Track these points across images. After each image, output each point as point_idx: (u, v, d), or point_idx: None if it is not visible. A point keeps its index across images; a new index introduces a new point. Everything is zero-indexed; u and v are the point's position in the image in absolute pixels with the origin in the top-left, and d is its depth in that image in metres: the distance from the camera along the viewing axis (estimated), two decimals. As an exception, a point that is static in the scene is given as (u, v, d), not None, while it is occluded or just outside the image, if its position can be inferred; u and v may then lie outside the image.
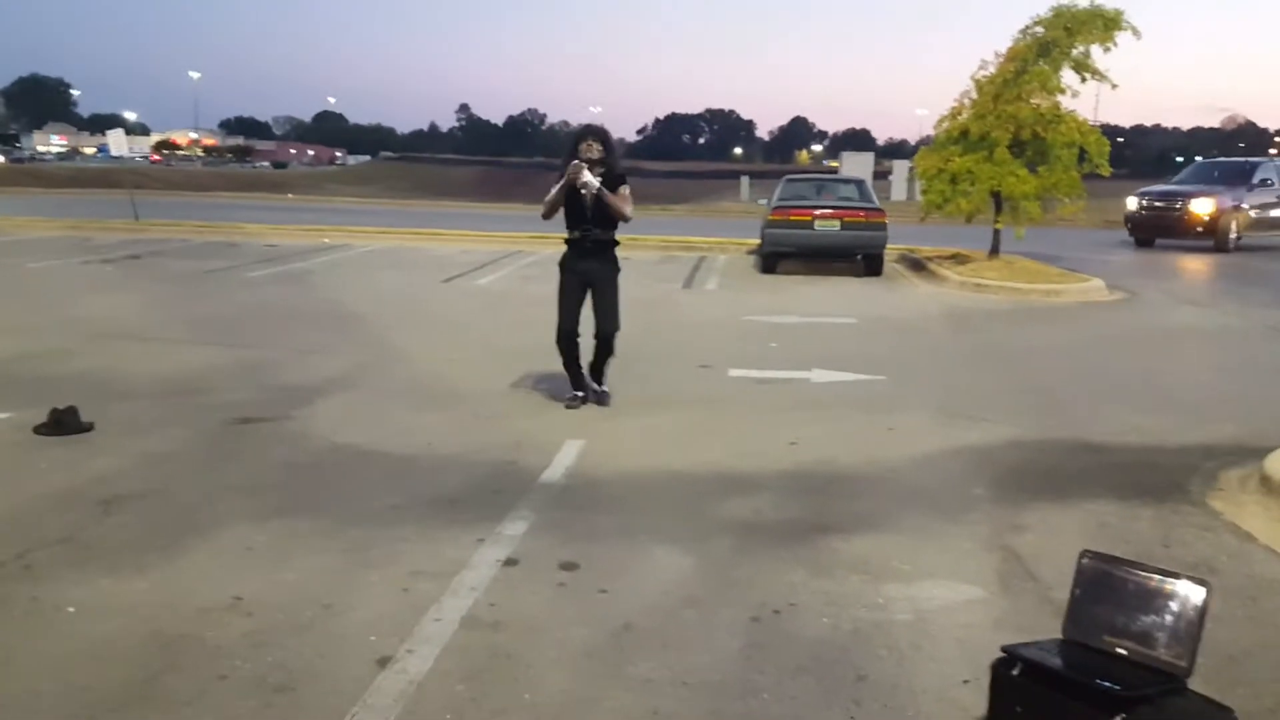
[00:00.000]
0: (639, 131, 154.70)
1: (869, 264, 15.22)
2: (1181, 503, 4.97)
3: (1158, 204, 21.14)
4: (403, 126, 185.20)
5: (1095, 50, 14.65)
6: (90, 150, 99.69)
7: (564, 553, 4.14)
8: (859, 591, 3.83)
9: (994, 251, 15.69)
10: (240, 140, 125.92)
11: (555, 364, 6.80)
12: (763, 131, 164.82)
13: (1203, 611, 2.32)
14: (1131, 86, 17.33)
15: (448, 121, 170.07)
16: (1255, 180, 20.89)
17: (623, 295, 6.68)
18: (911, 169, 19.19)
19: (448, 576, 3.87)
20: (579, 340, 6.63)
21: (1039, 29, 14.86)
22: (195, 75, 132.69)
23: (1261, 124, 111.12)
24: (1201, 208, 20.14)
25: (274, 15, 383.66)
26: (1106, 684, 2.26)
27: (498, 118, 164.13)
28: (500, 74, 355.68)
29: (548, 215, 6.64)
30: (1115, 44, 14.55)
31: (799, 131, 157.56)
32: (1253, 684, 3.18)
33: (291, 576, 3.87)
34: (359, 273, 14.66)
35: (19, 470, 5.14)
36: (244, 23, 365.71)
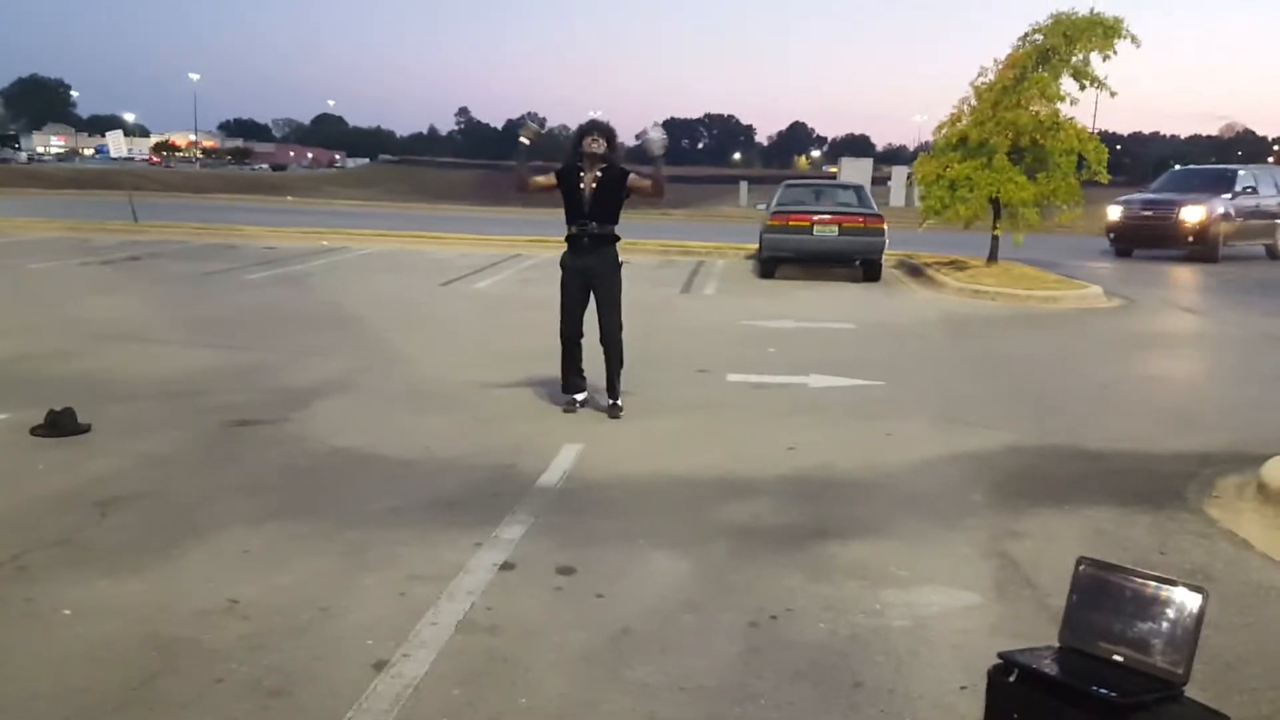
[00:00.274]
0: (638, 136, 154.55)
1: (867, 269, 15.23)
2: (1178, 510, 4.97)
3: (1145, 212, 20.05)
4: (402, 129, 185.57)
5: (1094, 58, 14.72)
6: (89, 151, 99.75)
7: (561, 557, 4.14)
8: (856, 597, 3.83)
9: (992, 258, 15.72)
10: (239, 142, 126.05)
11: (553, 368, 6.80)
12: (762, 136, 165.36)
13: (1199, 618, 2.32)
14: (1130, 94, 17.47)
15: (447, 125, 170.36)
16: (1238, 187, 20.02)
17: (626, 294, 6.64)
18: (910, 175, 19.23)
19: (445, 580, 3.87)
20: (582, 343, 6.61)
21: (1038, 36, 14.91)
22: (195, 77, 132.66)
23: (1260, 132, 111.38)
24: (1192, 216, 19.23)
25: (274, 18, 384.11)
26: (1103, 691, 2.26)
27: (497, 121, 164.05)
28: (499, 77, 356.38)
29: (517, 186, 6.68)
30: (1114, 52, 14.61)
31: (798, 137, 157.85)
32: (1249, 691, 3.18)
33: (288, 579, 3.86)
34: (357, 275, 14.66)
35: (16, 471, 5.13)
36: (244, 25, 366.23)
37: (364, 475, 5.24)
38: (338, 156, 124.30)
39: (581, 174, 6.42)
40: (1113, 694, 2.25)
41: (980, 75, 15.51)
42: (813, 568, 4.11)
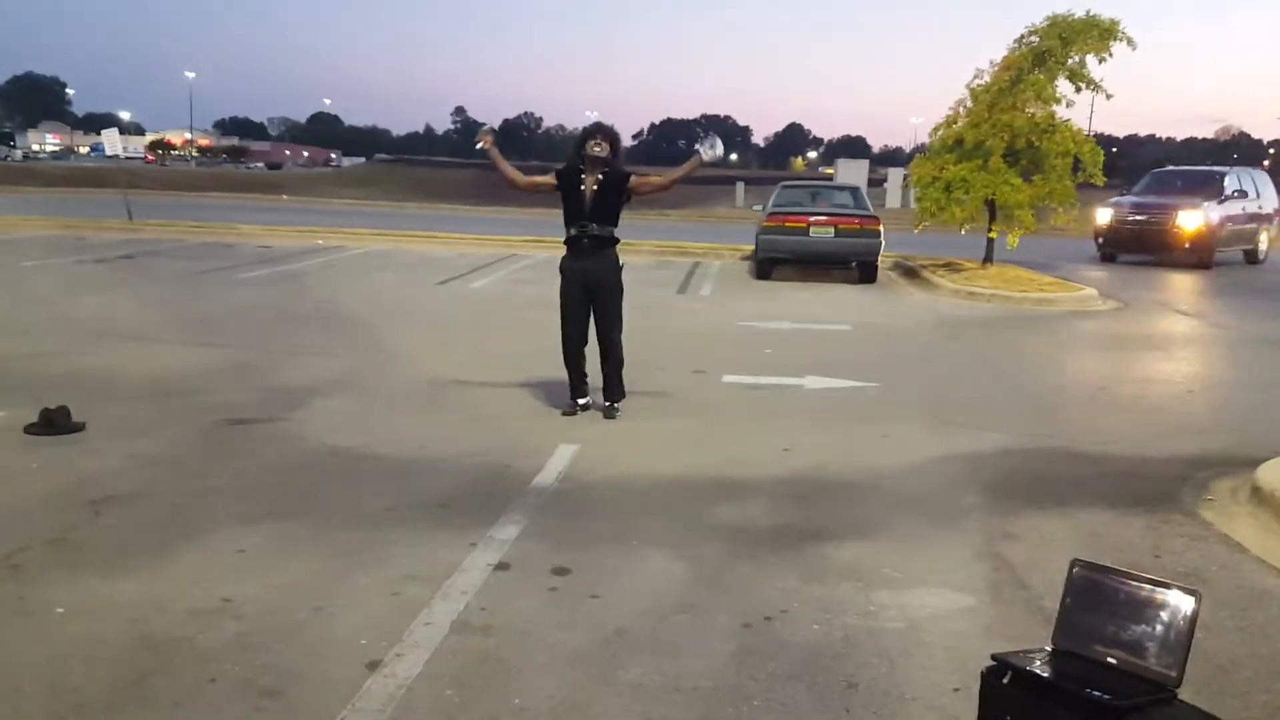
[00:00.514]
0: (635, 136, 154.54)
1: (863, 271, 15.25)
2: (1172, 512, 4.98)
3: (1139, 217, 19.10)
4: (398, 128, 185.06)
5: (1090, 60, 14.74)
6: (84, 149, 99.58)
7: (556, 557, 4.14)
8: (850, 598, 3.83)
9: (987, 260, 15.75)
10: (235, 141, 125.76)
11: (549, 368, 6.80)
12: (758, 137, 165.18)
13: (1193, 621, 2.32)
14: (1126, 97, 17.48)
15: (443, 124, 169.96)
16: (1228, 191, 19.21)
17: (625, 296, 6.63)
18: (906, 177, 19.24)
19: (439, 580, 3.86)
20: (585, 348, 6.58)
21: (1035, 38, 14.94)
22: (190, 75, 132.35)
23: (1255, 135, 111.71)
24: (1190, 222, 18.40)
25: (269, 16, 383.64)
26: (1097, 693, 2.26)
27: (493, 120, 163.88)
28: (496, 77, 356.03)
29: (509, 185, 6.70)
30: (1110, 54, 14.65)
31: (794, 138, 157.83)
32: (1242, 694, 3.19)
33: (282, 579, 3.86)
34: (353, 275, 14.65)
35: (9, 470, 5.12)
36: (239, 23, 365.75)
37: (358, 475, 5.23)
38: (333, 155, 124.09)
39: (583, 176, 6.40)
40: (1106, 696, 2.25)
41: (976, 77, 15.56)
42: (807, 569, 4.11)
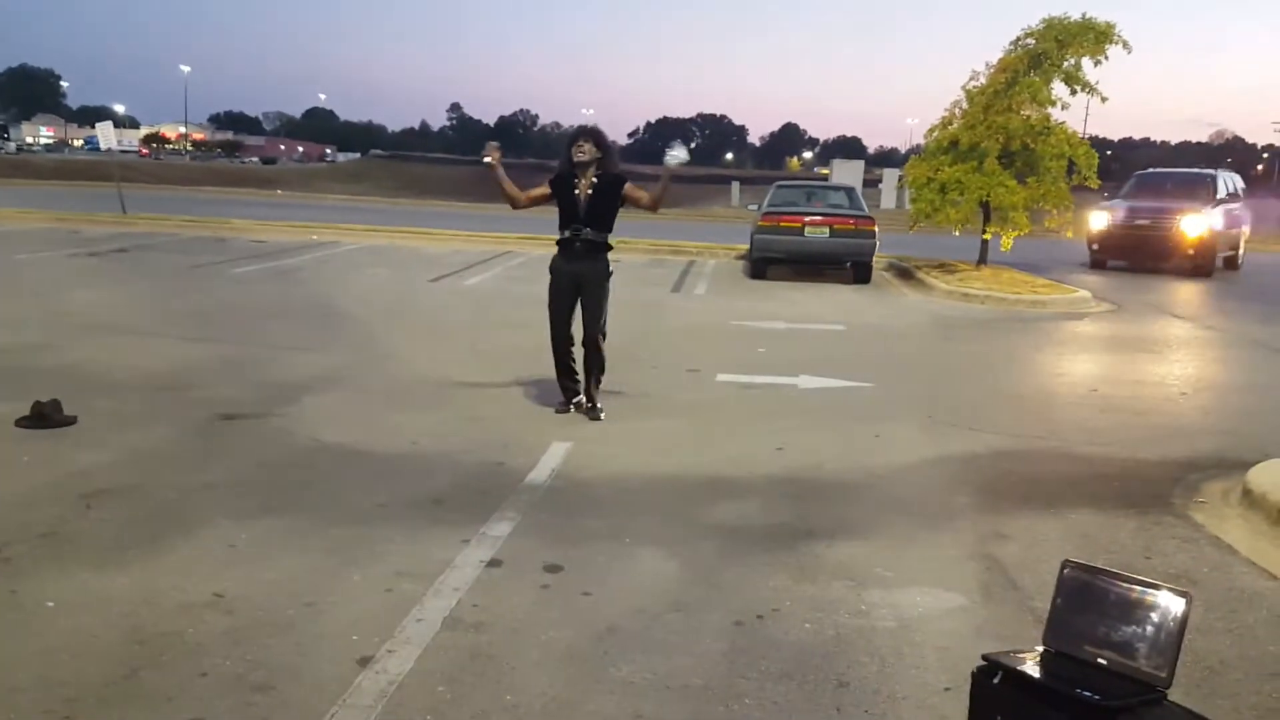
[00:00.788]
0: (630, 135, 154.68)
1: (858, 271, 15.27)
2: (1164, 514, 5.00)
3: (1141, 221, 17.94)
4: (393, 124, 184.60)
5: (1086, 63, 14.77)
6: (78, 142, 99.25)
7: (548, 555, 4.14)
8: (842, 597, 3.84)
9: (982, 261, 15.78)
10: (229, 135, 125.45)
11: (543, 366, 6.79)
12: (754, 137, 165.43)
13: (1183, 623, 2.32)
14: (1121, 100, 17.35)
15: (439, 120, 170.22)
16: (1221, 194, 18.47)
17: (611, 299, 6.62)
18: (901, 177, 19.23)
19: (431, 577, 3.86)
20: (573, 348, 6.57)
21: (1030, 40, 14.97)
22: (185, 69, 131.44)
23: (1250, 139, 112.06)
24: (1194, 228, 17.33)
25: (265, 10, 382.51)
26: (1087, 694, 2.27)
27: (489, 117, 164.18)
28: (492, 74, 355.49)
29: (513, 205, 6.66)
30: (1106, 57, 14.69)
31: (790, 138, 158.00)
32: (1232, 696, 3.20)
33: (274, 575, 3.85)
34: (347, 271, 14.62)
35: (0, 463, 5.10)
36: (235, 17, 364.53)
37: (351, 471, 5.23)
38: (328, 151, 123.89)
39: (576, 180, 6.39)
40: (1096, 697, 2.26)
41: (972, 79, 15.59)
42: (799, 568, 4.12)
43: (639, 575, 4.01)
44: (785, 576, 4.02)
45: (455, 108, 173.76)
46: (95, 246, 16.07)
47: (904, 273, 16.49)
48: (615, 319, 6.70)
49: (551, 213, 6.59)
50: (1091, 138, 17.61)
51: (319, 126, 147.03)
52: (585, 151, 6.35)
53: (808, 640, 3.48)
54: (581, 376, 6.61)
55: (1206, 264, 17.62)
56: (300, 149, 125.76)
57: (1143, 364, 9.73)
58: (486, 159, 6.41)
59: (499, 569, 4.00)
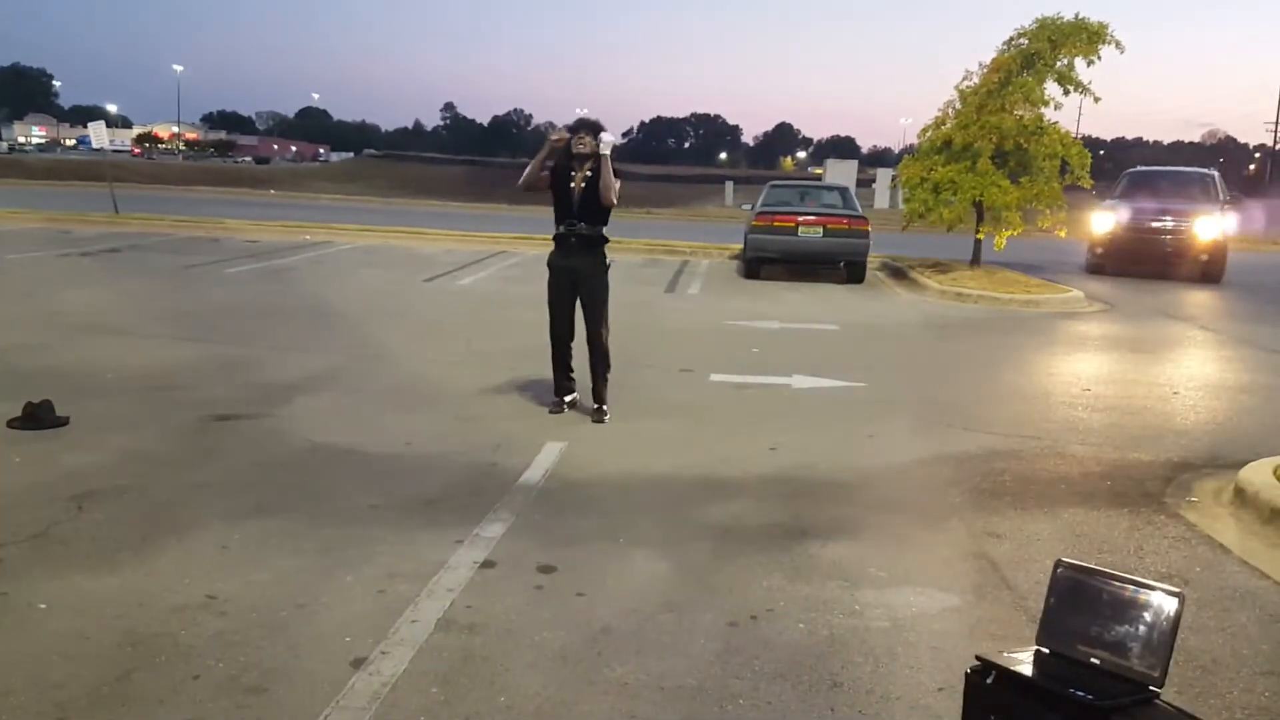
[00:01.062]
0: (624, 134, 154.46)
1: (851, 271, 15.29)
2: (1156, 513, 5.01)
3: (1152, 224, 16.78)
4: (387, 124, 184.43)
5: (1079, 63, 14.80)
6: (70, 142, 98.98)
7: (542, 555, 4.14)
8: (836, 598, 3.84)
9: (975, 261, 15.80)
10: (222, 135, 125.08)
11: (536, 366, 6.78)
12: (748, 137, 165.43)
13: (1176, 622, 2.33)
14: (1113, 100, 17.33)
15: (432, 120, 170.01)
16: (1224, 195, 17.62)
17: (611, 294, 6.61)
18: (895, 177, 19.18)
19: (425, 578, 3.85)
20: (571, 344, 6.55)
21: (1023, 40, 14.99)
22: (178, 68, 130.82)
23: (1242, 139, 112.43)
24: (1207, 231, 16.28)
25: (258, 10, 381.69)
26: (1080, 693, 2.27)
27: (483, 117, 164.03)
28: (486, 73, 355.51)
29: (525, 186, 6.56)
30: (1099, 57, 14.71)
31: (784, 137, 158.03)
32: (1224, 695, 3.21)
33: (266, 576, 3.84)
34: (340, 271, 14.59)
35: (-8, 464, 5.08)
36: (228, 16, 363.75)
37: (344, 472, 5.22)
38: (322, 150, 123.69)
39: (573, 174, 6.38)
40: (1089, 696, 2.26)
41: (965, 79, 15.62)
42: (793, 568, 4.12)
43: (633, 576, 4.01)
44: (779, 577, 4.02)
45: (449, 107, 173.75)
46: (87, 247, 16.02)
47: (897, 272, 16.51)
48: (609, 319, 6.68)
49: (547, 211, 6.57)
50: (1084, 138, 17.49)
51: (312, 126, 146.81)
52: (586, 144, 6.32)
53: (801, 640, 3.48)
54: (578, 375, 6.60)
55: (1218, 270, 16.58)
56: (293, 148, 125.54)
57: (1135, 363, 9.76)
58: (554, 139, 6.38)
59: (492, 570, 3.99)
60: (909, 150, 21.03)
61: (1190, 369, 9.50)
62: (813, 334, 10.48)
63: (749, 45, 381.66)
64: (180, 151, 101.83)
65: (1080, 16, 14.67)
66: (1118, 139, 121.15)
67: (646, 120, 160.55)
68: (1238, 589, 4.10)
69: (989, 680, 2.43)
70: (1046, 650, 2.49)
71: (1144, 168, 20.93)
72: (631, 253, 17.24)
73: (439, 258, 16.45)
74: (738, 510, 4.88)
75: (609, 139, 6.27)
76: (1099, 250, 17.47)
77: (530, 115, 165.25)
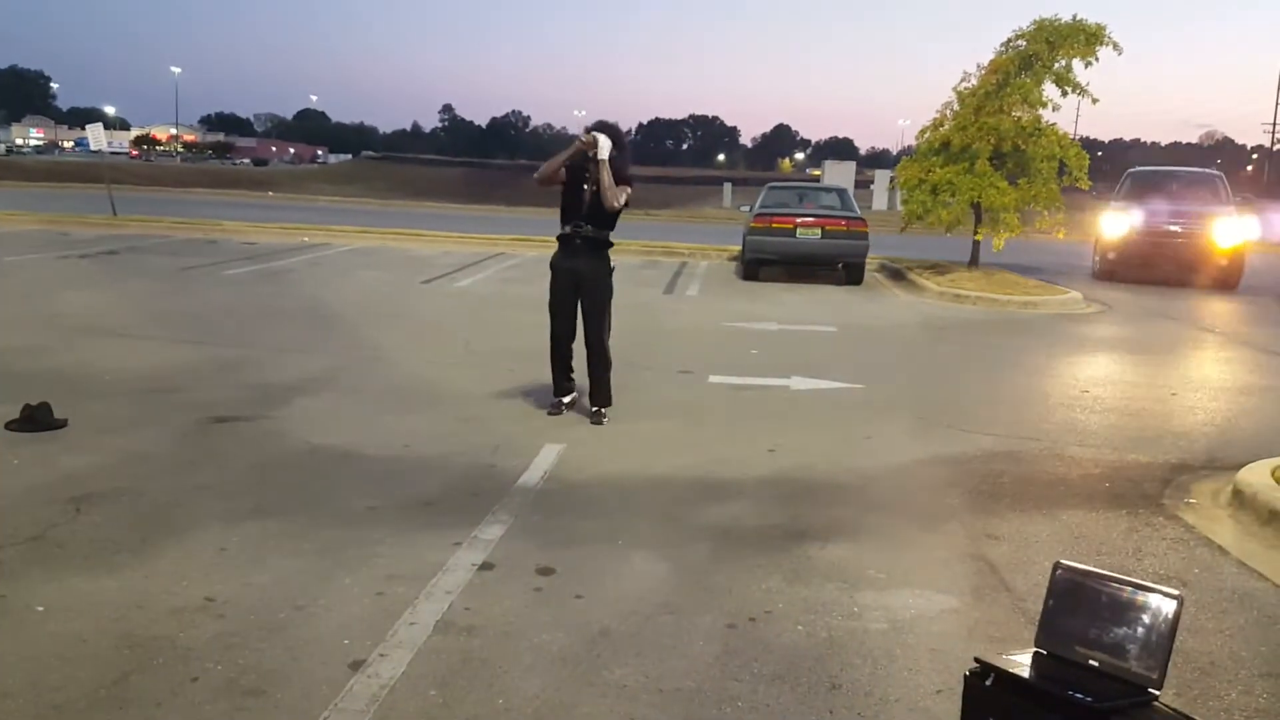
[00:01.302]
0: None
1: (850, 273, 15.30)
2: (1155, 515, 5.01)
3: (1171, 227, 15.97)
4: (385, 126, 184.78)
5: (1076, 64, 14.82)
6: (68, 144, 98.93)
7: (541, 557, 4.13)
8: (835, 599, 3.84)
9: (973, 262, 15.81)
10: (221, 137, 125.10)
11: (535, 367, 6.78)
12: (746, 138, 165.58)
13: (1174, 624, 2.33)
14: (1111, 101, 17.35)
15: (430, 122, 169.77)
16: (1235, 197, 17.16)
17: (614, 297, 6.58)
18: (893, 179, 19.18)
19: (423, 580, 3.85)
20: (572, 345, 6.52)
21: (1021, 42, 15.01)
22: (176, 70, 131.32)
23: (1239, 140, 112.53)
24: (1227, 235, 15.62)
25: (257, 12, 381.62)
26: (1078, 695, 2.27)
27: (481, 119, 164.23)
28: (484, 75, 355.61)
29: (540, 178, 6.46)
30: (1096, 58, 14.73)
31: (782, 139, 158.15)
32: (1222, 697, 3.21)
33: (265, 578, 3.84)
34: (338, 272, 14.59)
35: (-10, 467, 5.07)
36: (226, 18, 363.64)
37: (343, 474, 5.21)
38: (320, 152, 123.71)
39: (586, 174, 6.33)
40: (1088, 698, 2.26)
41: (963, 80, 15.64)
42: (792, 570, 4.12)
43: (631, 578, 4.01)
44: (777, 578, 4.02)
45: (447, 109, 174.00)
46: (85, 249, 16.01)
47: (895, 274, 16.51)
48: (611, 323, 6.65)
49: (545, 212, 6.55)
50: (1082, 139, 17.56)
51: (310, 128, 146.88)
52: (590, 146, 6.29)
53: (800, 642, 3.48)
54: (577, 376, 6.59)
55: (1236, 276, 15.80)
56: (291, 150, 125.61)
57: (1134, 365, 9.77)
58: (586, 139, 6.22)
59: (491, 572, 3.99)
60: (907, 152, 21.06)
61: (1188, 370, 9.52)
62: (811, 335, 10.49)
63: (747, 47, 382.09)
64: (178, 153, 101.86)
65: (1078, 18, 14.69)
66: (1115, 140, 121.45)
67: (645, 122, 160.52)
68: (1236, 591, 4.11)
69: (987, 682, 2.43)
70: (1045, 652, 2.49)
71: (1147, 167, 20.26)
72: (630, 254, 17.24)
73: (437, 259, 16.44)
74: (736, 512, 4.88)
75: (605, 144, 6.26)
76: (1111, 255, 16.65)
77: (529, 117, 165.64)
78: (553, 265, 6.55)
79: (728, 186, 50.22)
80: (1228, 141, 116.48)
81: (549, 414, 6.49)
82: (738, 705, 3.05)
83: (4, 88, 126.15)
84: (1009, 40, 15.20)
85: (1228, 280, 15.75)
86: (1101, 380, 8.82)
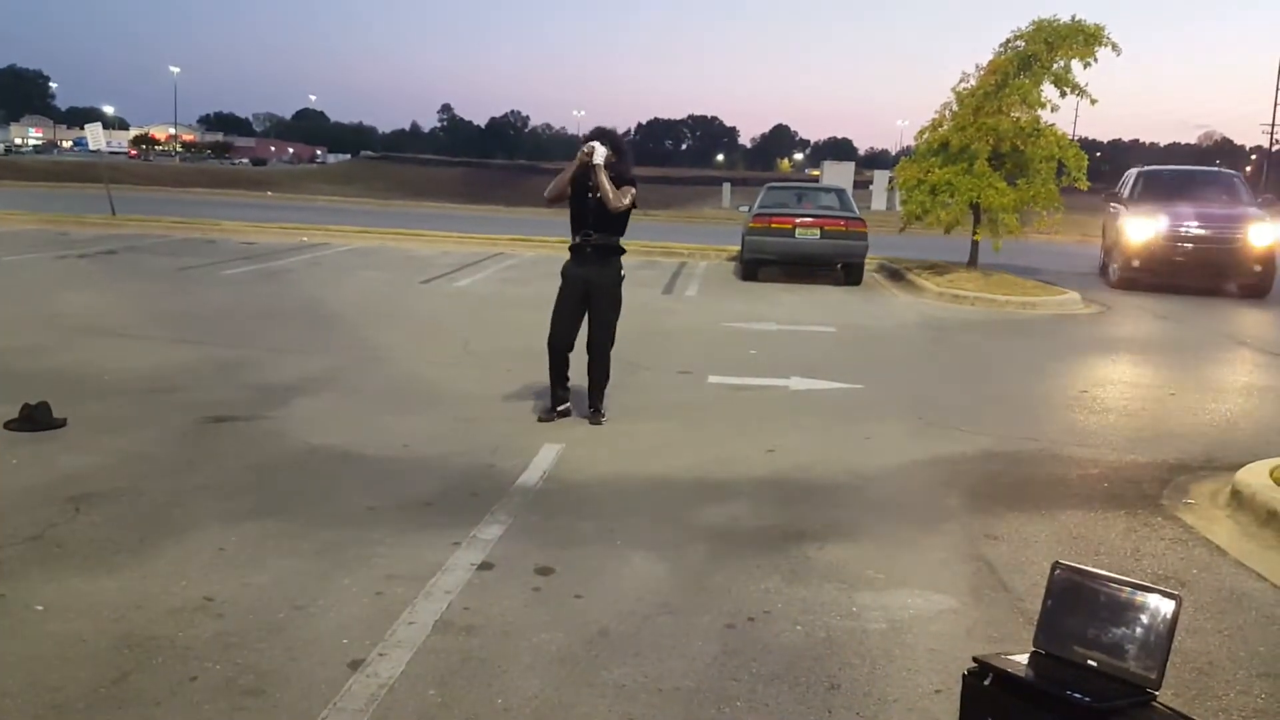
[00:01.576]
0: (623, 135, 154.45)
1: (848, 273, 15.30)
2: (1153, 515, 5.02)
3: (1203, 231, 14.81)
4: (384, 126, 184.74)
5: (1075, 65, 14.80)
6: (67, 144, 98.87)
7: (539, 557, 4.14)
8: (833, 600, 3.84)
9: (972, 263, 15.80)
10: (219, 136, 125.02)
11: (534, 368, 6.78)
12: (745, 138, 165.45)
13: (1173, 624, 2.34)
14: (1110, 102, 17.32)
15: (429, 122, 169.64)
16: (1255, 198, 16.27)
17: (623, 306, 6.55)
18: (892, 179, 19.17)
19: (422, 580, 3.85)
20: (570, 355, 6.47)
21: (1020, 43, 15.00)
22: (175, 70, 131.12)
23: (1238, 141, 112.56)
24: (1261, 238, 14.57)
25: (255, 12, 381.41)
26: (1077, 695, 2.28)
27: (480, 119, 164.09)
28: (483, 75, 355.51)
29: (549, 197, 6.49)
30: (1095, 59, 14.72)
31: (781, 139, 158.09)
32: (1220, 697, 3.21)
33: (264, 578, 3.84)
34: (337, 272, 14.58)
35: (-11, 466, 5.07)
36: (225, 18, 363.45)
37: (342, 474, 5.21)
38: (319, 152, 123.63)
39: (590, 183, 6.32)
40: (1086, 699, 2.27)
41: (962, 80, 15.62)
42: (790, 570, 4.12)
43: (630, 578, 4.01)
44: (776, 579, 4.03)
45: (446, 109, 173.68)
46: (84, 248, 16.00)
47: (894, 274, 16.51)
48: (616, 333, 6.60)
49: (544, 213, 6.56)
50: (1081, 139, 17.56)
51: (309, 128, 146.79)
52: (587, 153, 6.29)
53: (799, 642, 3.49)
54: (574, 384, 6.56)
55: (1269, 282, 14.72)
56: (290, 150, 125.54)
57: (1132, 365, 9.78)
58: (588, 151, 6.19)
59: (490, 572, 3.99)
60: (906, 152, 21.05)
61: (1186, 370, 9.51)
62: (810, 336, 10.49)
63: (747, 47, 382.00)
64: (177, 153, 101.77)
65: (1077, 18, 14.68)
66: (1114, 140, 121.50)
67: (644, 122, 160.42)
68: (1235, 591, 4.11)
69: (986, 682, 2.44)
70: (1044, 652, 2.50)
71: (1157, 167, 19.09)
72: (629, 254, 17.18)
73: (436, 259, 16.44)
74: (735, 512, 4.88)
75: (600, 150, 6.25)
76: (1135, 263, 15.22)
77: (528, 117, 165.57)
78: (563, 273, 6.53)
79: (727, 187, 50.23)
80: (1226, 142, 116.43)
81: (539, 420, 6.38)
82: (736, 705, 3.05)
83: (3, 87, 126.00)
84: (1008, 41, 15.19)
85: (1261, 286, 14.80)
86: (1099, 380, 8.82)
